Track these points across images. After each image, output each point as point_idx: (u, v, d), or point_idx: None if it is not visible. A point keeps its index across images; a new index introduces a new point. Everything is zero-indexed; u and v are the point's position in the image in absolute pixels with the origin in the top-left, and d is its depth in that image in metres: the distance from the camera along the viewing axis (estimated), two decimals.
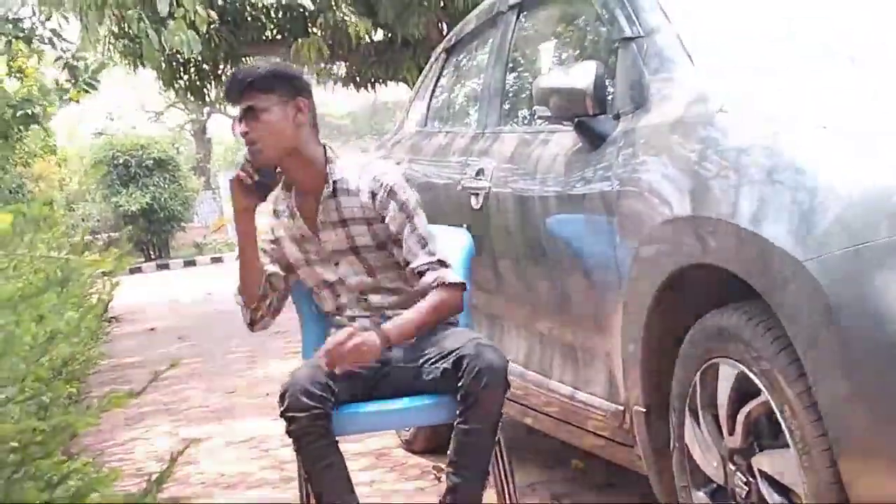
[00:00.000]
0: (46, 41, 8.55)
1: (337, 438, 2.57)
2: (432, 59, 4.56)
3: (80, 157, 21.57)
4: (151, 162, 19.19)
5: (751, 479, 2.12)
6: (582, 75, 2.61)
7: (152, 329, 9.32)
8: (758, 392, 2.03)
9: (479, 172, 3.39)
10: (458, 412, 2.52)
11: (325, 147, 2.83)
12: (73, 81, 8.36)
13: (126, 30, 9.33)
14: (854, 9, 2.71)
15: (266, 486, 3.84)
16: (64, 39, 8.70)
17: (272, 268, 2.84)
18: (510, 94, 3.55)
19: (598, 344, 2.70)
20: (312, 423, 2.51)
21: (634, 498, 3.08)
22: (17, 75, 9.35)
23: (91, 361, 5.61)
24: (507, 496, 2.72)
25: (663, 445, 2.43)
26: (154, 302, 11.95)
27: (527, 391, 3.12)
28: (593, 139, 2.68)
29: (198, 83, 11.02)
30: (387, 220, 2.76)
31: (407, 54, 10.33)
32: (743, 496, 2.14)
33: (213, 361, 7.05)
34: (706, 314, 2.20)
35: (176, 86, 11.06)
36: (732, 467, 2.18)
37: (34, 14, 8.63)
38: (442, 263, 2.75)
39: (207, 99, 11.86)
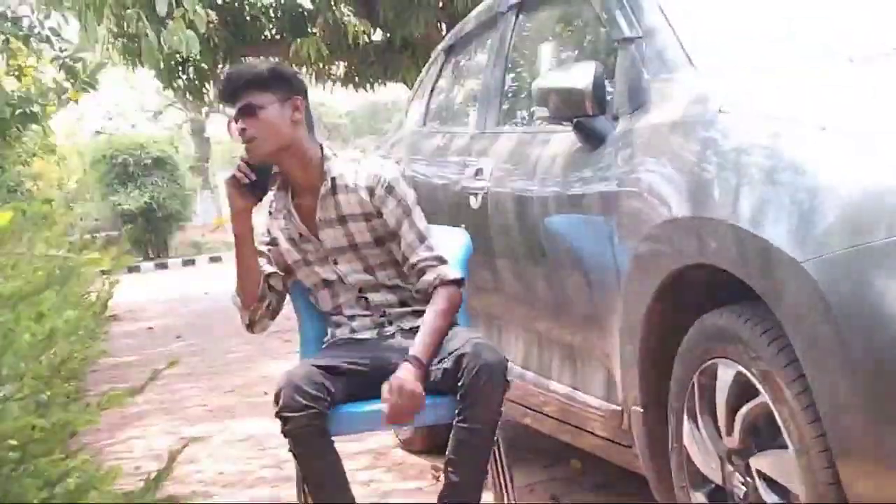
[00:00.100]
0: (45, 40, 8.54)
1: (335, 438, 2.57)
2: (431, 59, 4.57)
3: (80, 155, 21.55)
4: (150, 161, 19.17)
5: (749, 479, 2.12)
6: (581, 76, 2.61)
7: (151, 328, 9.32)
8: (756, 393, 2.03)
9: (478, 172, 3.40)
10: (457, 411, 2.52)
11: (321, 145, 2.83)
12: (71, 81, 8.35)
13: (125, 29, 9.32)
14: (853, 8, 2.71)
15: (264, 485, 3.84)
16: (63, 39, 8.69)
17: (270, 268, 2.84)
18: (509, 95, 3.55)
19: (596, 344, 2.71)
20: (308, 422, 2.50)
21: (633, 498, 3.08)
22: (16, 74, 9.35)
23: (90, 360, 5.61)
24: (505, 496, 2.72)
25: (661, 446, 2.43)
26: (152, 301, 11.94)
27: (525, 391, 3.12)
28: (592, 139, 2.68)
29: (196, 83, 11.01)
30: (385, 215, 2.76)
31: (406, 54, 10.32)
32: (741, 496, 2.15)
33: (211, 360, 7.05)
34: (705, 315, 2.20)
35: (175, 85, 11.05)
36: (731, 468, 2.18)
37: (33, 12, 8.63)
38: (440, 260, 2.75)
39: (206, 98, 11.85)
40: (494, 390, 2.51)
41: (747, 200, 2.00)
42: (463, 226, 3.21)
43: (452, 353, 2.56)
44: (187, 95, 11.63)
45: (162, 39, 6.58)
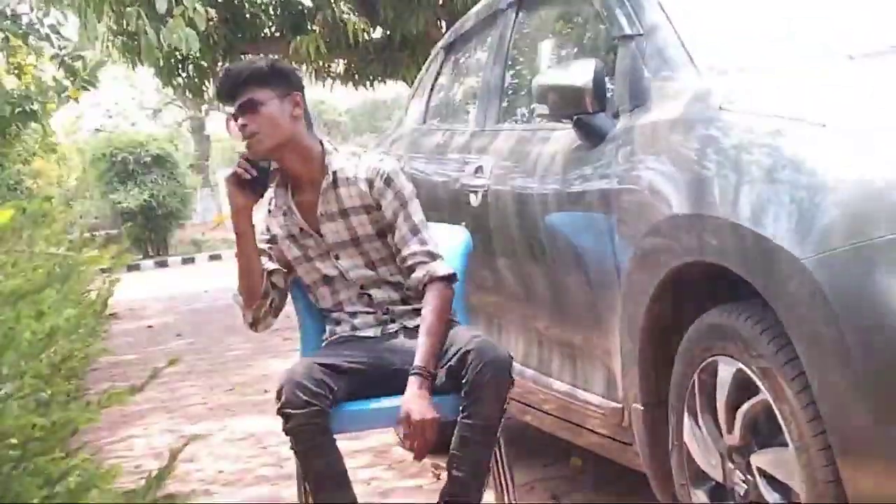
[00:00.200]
0: (44, 37, 8.53)
1: (337, 436, 2.57)
2: (431, 56, 4.57)
3: (80, 153, 21.55)
4: (150, 159, 19.16)
5: (749, 477, 2.12)
6: (581, 73, 2.61)
7: (151, 326, 9.32)
8: (756, 390, 2.03)
9: (478, 170, 3.40)
10: (461, 407, 2.52)
11: (321, 141, 2.83)
12: (71, 79, 8.34)
13: (125, 27, 9.32)
14: (853, 7, 2.71)
15: (265, 484, 3.84)
16: (62, 36, 8.68)
17: (272, 265, 2.84)
18: (509, 92, 3.55)
19: (596, 342, 2.71)
20: (309, 419, 2.50)
21: (633, 496, 3.08)
22: (15, 72, 9.34)
23: (90, 358, 5.61)
24: (506, 495, 2.72)
25: (662, 443, 2.43)
26: (152, 299, 11.94)
27: (525, 389, 3.12)
28: (592, 137, 2.68)
29: (196, 80, 11.00)
30: (383, 207, 2.76)
31: (406, 52, 10.32)
32: (741, 494, 2.15)
33: (211, 359, 7.05)
34: (705, 312, 2.20)
35: (174, 83, 11.04)
36: (731, 465, 2.18)
37: (32, 10, 8.62)
38: (431, 255, 2.75)
39: (206, 96, 11.84)
40: (499, 387, 2.51)
41: (748, 198, 2.00)
42: (463, 223, 3.21)
43: (457, 351, 2.56)
44: (187, 93, 11.63)
45: (161, 37, 6.58)
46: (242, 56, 10.81)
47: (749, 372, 2.04)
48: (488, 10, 3.84)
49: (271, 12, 10.73)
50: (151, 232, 19.61)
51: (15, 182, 12.76)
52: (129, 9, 6.90)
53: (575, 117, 2.68)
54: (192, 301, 11.32)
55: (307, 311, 2.98)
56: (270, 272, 2.82)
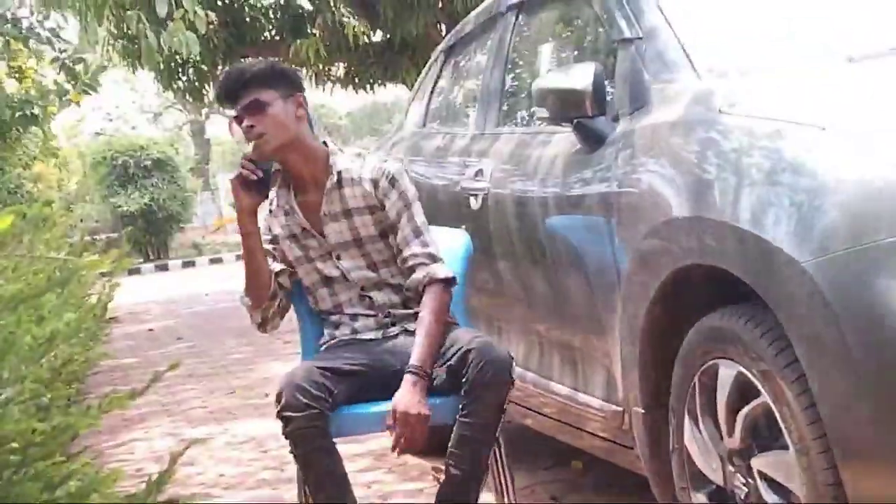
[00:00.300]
0: (45, 41, 8.54)
1: (338, 439, 2.57)
2: (431, 59, 4.57)
3: (80, 157, 21.57)
4: (150, 163, 19.18)
5: (750, 480, 2.12)
6: (581, 76, 2.61)
7: (151, 330, 9.32)
8: (757, 393, 2.03)
9: (478, 173, 3.40)
10: (461, 406, 2.53)
11: (325, 142, 2.85)
12: (72, 83, 8.35)
13: (125, 31, 9.33)
14: (852, 8, 2.71)
15: (266, 487, 3.84)
16: (62, 39, 8.69)
17: (279, 266, 2.84)
18: (509, 95, 3.55)
19: (597, 345, 2.71)
20: (309, 423, 2.50)
21: (633, 499, 3.08)
22: (16, 75, 9.35)
23: (90, 362, 5.61)
24: (506, 497, 2.71)
25: (662, 446, 2.43)
26: (153, 302, 11.95)
27: (526, 392, 3.12)
28: (592, 140, 2.68)
29: (196, 84, 11.01)
30: (387, 207, 2.77)
31: (406, 55, 10.33)
32: (742, 497, 2.15)
33: (212, 362, 7.05)
34: (705, 315, 2.20)
35: (174, 87, 11.06)
36: (732, 468, 2.18)
37: (32, 14, 8.63)
38: (432, 257, 2.76)
39: (206, 100, 11.85)
40: (499, 387, 2.51)
41: (748, 200, 2.00)
42: (463, 227, 3.21)
43: (457, 351, 2.56)
44: (187, 97, 11.64)
45: (162, 41, 6.58)
46: (243, 59, 10.82)
47: (749, 375, 2.04)
48: (488, 14, 3.84)
49: (271, 16, 10.75)
50: (152, 235, 19.63)
51: (15, 186, 12.77)
52: (129, 12, 6.90)
53: (575, 121, 2.68)
54: (193, 304, 11.33)
55: (307, 315, 2.97)
56: (278, 273, 2.82)
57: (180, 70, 10.81)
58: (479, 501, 2.59)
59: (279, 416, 2.53)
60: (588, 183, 2.67)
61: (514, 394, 2.62)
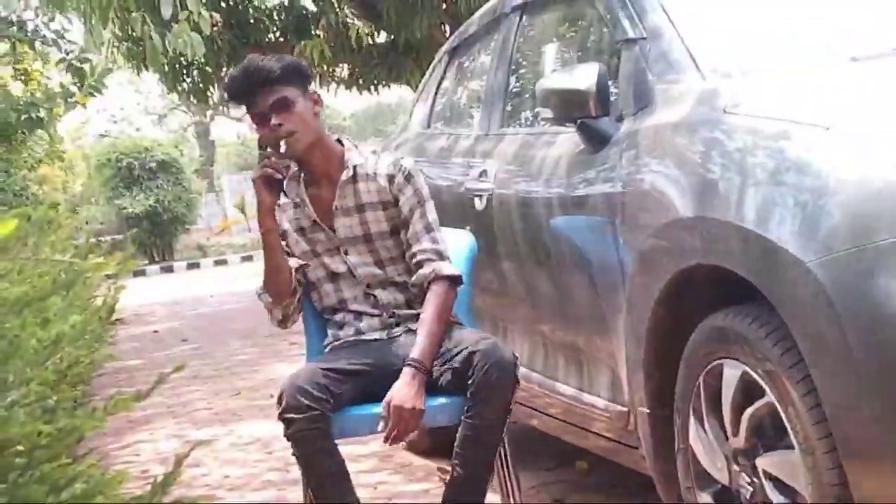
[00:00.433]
0: (51, 42, 8.55)
1: (341, 440, 2.57)
2: (435, 60, 4.57)
3: (85, 159, 21.60)
4: (155, 164, 19.20)
5: (755, 479, 2.12)
6: (585, 77, 2.61)
7: (156, 331, 9.33)
8: (762, 393, 2.03)
9: (483, 174, 3.40)
10: (466, 407, 2.53)
11: (339, 139, 2.87)
12: (78, 85, 8.36)
13: (129, 32, 9.34)
14: (856, 9, 2.71)
15: (271, 488, 3.85)
16: (68, 41, 8.70)
17: (298, 262, 2.84)
18: (513, 96, 3.55)
19: (602, 345, 2.71)
20: (310, 425, 2.50)
21: (638, 499, 3.08)
22: (22, 78, 9.37)
23: (96, 364, 5.62)
24: (511, 498, 2.72)
25: (668, 446, 2.43)
26: (158, 304, 11.96)
27: (531, 393, 3.12)
28: (596, 141, 2.68)
29: (201, 86, 11.03)
30: (401, 202, 2.79)
31: (410, 56, 10.33)
32: (747, 497, 2.14)
33: (217, 364, 7.06)
34: (710, 315, 2.20)
35: (179, 88, 11.07)
36: (737, 468, 2.18)
37: (37, 16, 8.64)
38: (440, 255, 2.77)
39: (210, 101, 11.87)
40: (504, 389, 2.52)
41: (752, 201, 2.00)
42: (467, 227, 3.21)
43: (462, 351, 2.56)
44: (192, 98, 11.66)
45: (167, 42, 6.59)
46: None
47: (754, 375, 2.04)
48: (492, 14, 3.84)
49: (275, 17, 10.76)
50: (157, 237, 19.64)
51: (21, 188, 12.78)
52: (133, 14, 6.90)
53: (579, 121, 2.68)
54: (198, 306, 11.34)
55: (312, 316, 2.98)
56: (297, 268, 2.82)
57: (185, 72, 10.82)
58: (485, 502, 2.59)
59: (280, 417, 2.53)
60: (592, 183, 2.67)
61: (519, 394, 2.62)
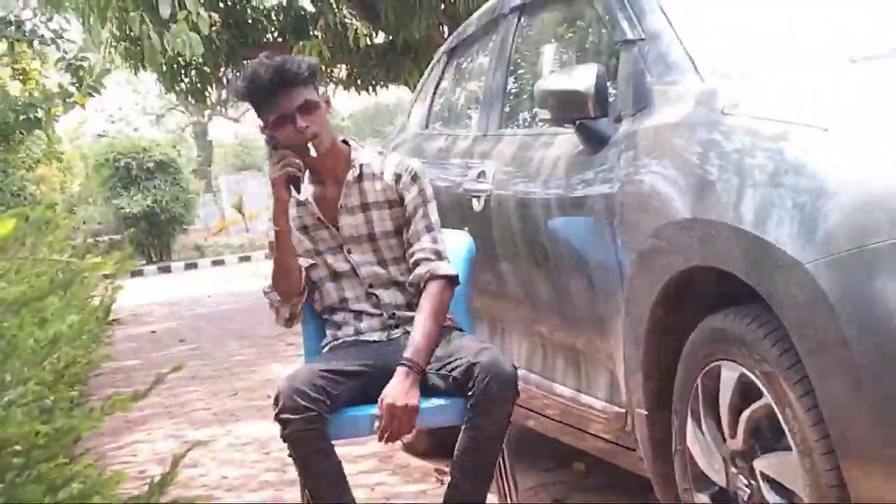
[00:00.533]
0: (49, 42, 8.55)
1: (339, 441, 2.57)
2: (434, 61, 4.57)
3: (83, 159, 21.59)
4: (153, 164, 19.20)
5: (753, 481, 2.12)
6: (583, 78, 2.61)
7: (153, 332, 9.32)
8: (760, 395, 2.03)
9: (481, 175, 3.40)
10: (466, 418, 2.53)
11: (344, 140, 2.88)
12: (77, 85, 8.36)
13: (128, 32, 9.34)
14: (854, 10, 2.71)
15: (269, 489, 3.84)
16: (67, 40, 8.70)
17: (308, 261, 2.84)
18: (511, 97, 3.55)
19: (599, 346, 2.70)
20: (306, 426, 2.50)
21: (636, 500, 3.08)
22: (21, 77, 9.36)
23: (93, 364, 5.61)
24: (508, 498, 2.72)
25: (665, 448, 2.43)
26: (155, 304, 11.95)
27: (529, 394, 3.12)
28: (595, 142, 2.68)
29: (199, 86, 11.03)
30: (406, 201, 2.80)
31: (408, 57, 10.34)
32: (745, 499, 2.14)
33: (214, 364, 7.05)
34: (708, 317, 2.20)
35: (177, 88, 11.07)
36: (734, 470, 2.18)
37: (35, 16, 8.64)
38: (438, 255, 2.78)
39: (208, 102, 11.87)
40: (505, 400, 2.52)
41: (751, 202, 2.00)
42: (466, 228, 3.21)
43: (462, 361, 2.56)
44: (189, 98, 11.65)
45: (165, 42, 6.58)
46: (245, 61, 10.83)
47: (752, 376, 2.04)
48: (491, 15, 3.84)
49: (274, 17, 10.77)
50: (154, 237, 19.65)
51: (18, 188, 12.78)
52: (132, 14, 6.89)
53: (577, 122, 2.69)
54: (195, 306, 11.34)
55: (310, 316, 2.98)
56: (307, 268, 2.83)
57: (183, 72, 10.83)
58: None
59: (277, 418, 2.53)
60: (590, 184, 2.67)
61: None
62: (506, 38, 3.60)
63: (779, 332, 1.93)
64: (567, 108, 2.67)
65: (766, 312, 1.97)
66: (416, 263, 2.77)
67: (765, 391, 2.00)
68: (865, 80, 2.25)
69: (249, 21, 10.55)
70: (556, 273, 2.89)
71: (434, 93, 4.37)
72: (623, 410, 2.60)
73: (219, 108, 24.09)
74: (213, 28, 8.99)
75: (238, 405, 5.54)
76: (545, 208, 2.92)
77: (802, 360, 1.87)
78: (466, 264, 2.98)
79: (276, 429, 2.58)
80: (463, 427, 2.54)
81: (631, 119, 2.59)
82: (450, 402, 2.59)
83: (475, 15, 4.13)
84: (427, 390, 2.61)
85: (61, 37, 8.65)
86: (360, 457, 3.97)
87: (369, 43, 10.28)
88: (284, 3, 10.63)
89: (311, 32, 10.34)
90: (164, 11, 6.27)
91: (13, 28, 8.21)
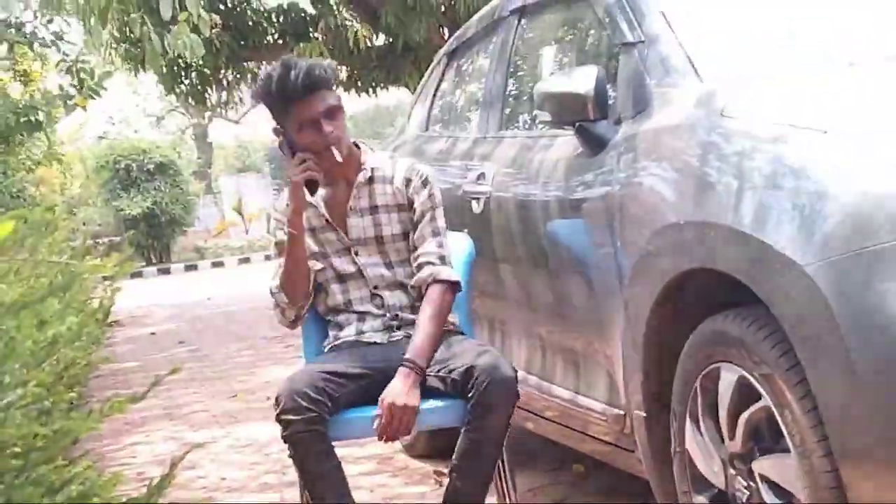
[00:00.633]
0: (50, 44, 8.55)
1: (340, 443, 2.57)
2: (434, 63, 4.57)
3: (83, 161, 21.58)
4: (153, 166, 19.18)
5: (751, 483, 2.12)
6: (583, 80, 2.62)
7: (153, 333, 9.32)
8: (758, 396, 2.03)
9: (481, 177, 3.40)
10: (466, 421, 2.54)
11: (355, 142, 2.88)
12: (78, 87, 8.37)
13: (128, 34, 9.34)
14: (854, 13, 2.71)
15: (268, 491, 3.84)
16: (67, 42, 8.70)
17: (320, 264, 2.84)
18: (511, 99, 3.56)
19: (599, 348, 2.71)
20: (307, 427, 2.51)
21: (635, 502, 3.08)
22: (22, 79, 9.37)
23: (92, 366, 5.61)
24: (508, 500, 2.72)
25: (664, 450, 2.43)
26: (155, 306, 11.94)
27: (528, 396, 3.11)
28: (594, 144, 2.68)
29: (199, 88, 11.02)
30: (415, 204, 2.81)
31: (408, 59, 10.33)
32: (744, 500, 2.14)
33: (214, 366, 7.05)
34: (707, 319, 2.20)
35: (177, 90, 11.06)
36: (733, 472, 2.18)
37: (36, 17, 8.65)
38: (442, 259, 2.79)
39: (209, 104, 11.86)
40: (505, 404, 2.53)
41: (750, 204, 2.00)
42: (465, 230, 3.21)
43: (462, 364, 2.56)
44: (190, 100, 11.64)
45: (166, 44, 6.58)
46: (246, 63, 10.84)
47: (751, 378, 2.04)
48: (491, 17, 3.84)
49: (274, 19, 10.75)
50: (154, 239, 19.62)
51: (18, 190, 12.79)
52: (132, 15, 6.89)
53: (577, 124, 2.69)
54: (195, 308, 11.32)
55: (311, 318, 2.97)
56: (317, 271, 2.83)
57: (183, 74, 10.82)
58: None
59: (278, 419, 2.53)
60: (590, 186, 2.67)
61: None
62: (506, 41, 3.61)
63: (778, 334, 1.94)
64: (567, 110, 2.67)
65: (765, 314, 1.97)
66: (420, 266, 2.78)
67: (764, 393, 2.00)
68: (864, 84, 2.25)
69: (250, 23, 10.54)
70: (556, 275, 2.89)
71: (434, 95, 4.37)
72: (622, 412, 2.60)
73: (219, 110, 24.08)
74: (214, 30, 8.99)
75: (237, 407, 5.54)
76: (545, 210, 2.92)
77: (801, 362, 1.87)
78: (466, 267, 2.98)
79: (275, 430, 2.58)
80: (463, 429, 2.55)
81: (630, 121, 2.59)
82: (450, 404, 2.60)
83: (475, 17, 4.13)
84: (427, 392, 2.61)
85: (62, 39, 8.65)
86: (361, 458, 3.97)
87: (369, 45, 10.27)
88: (285, 5, 10.62)
89: (311, 34, 10.33)
90: (165, 13, 6.27)
91: (14, 30, 8.21)
